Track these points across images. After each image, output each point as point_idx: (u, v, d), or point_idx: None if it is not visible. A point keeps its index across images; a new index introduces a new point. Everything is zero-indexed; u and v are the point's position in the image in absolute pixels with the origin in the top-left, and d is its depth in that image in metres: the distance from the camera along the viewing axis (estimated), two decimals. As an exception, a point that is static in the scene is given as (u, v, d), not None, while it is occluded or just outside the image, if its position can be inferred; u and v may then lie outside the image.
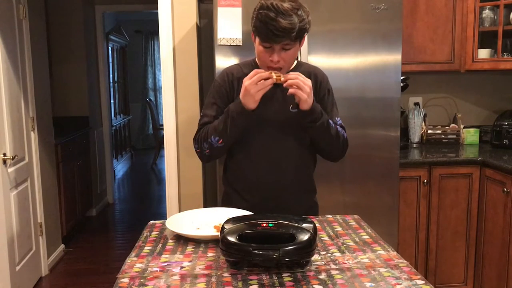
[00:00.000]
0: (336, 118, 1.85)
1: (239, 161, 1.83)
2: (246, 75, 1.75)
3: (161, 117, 6.64)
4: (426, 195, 2.94)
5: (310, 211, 1.88)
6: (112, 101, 6.89)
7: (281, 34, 1.61)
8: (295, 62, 1.83)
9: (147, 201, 5.98)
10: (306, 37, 1.72)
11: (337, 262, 1.35)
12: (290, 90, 1.63)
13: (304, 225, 1.36)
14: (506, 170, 2.68)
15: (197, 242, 1.51)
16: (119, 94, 7.90)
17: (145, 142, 9.45)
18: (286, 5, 1.60)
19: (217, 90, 1.82)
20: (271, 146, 1.77)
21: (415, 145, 3.38)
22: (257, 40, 1.70)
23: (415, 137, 3.42)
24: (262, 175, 1.79)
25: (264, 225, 1.35)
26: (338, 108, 1.90)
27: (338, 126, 1.82)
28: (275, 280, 1.23)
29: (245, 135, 1.79)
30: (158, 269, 1.31)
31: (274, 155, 1.78)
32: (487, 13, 3.15)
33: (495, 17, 3.15)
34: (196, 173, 2.95)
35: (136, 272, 1.30)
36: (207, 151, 1.77)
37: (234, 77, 1.80)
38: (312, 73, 1.83)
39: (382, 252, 1.43)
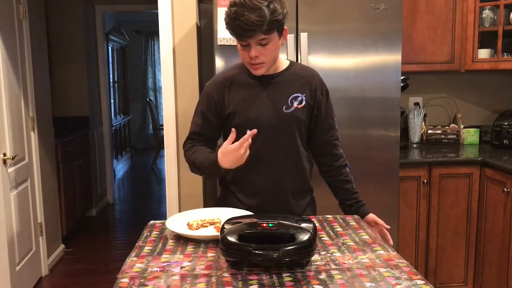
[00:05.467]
0: (335, 123, 1.87)
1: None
2: (236, 77, 1.77)
3: (161, 117, 6.65)
4: (426, 195, 2.94)
5: (308, 208, 1.89)
6: (112, 101, 6.89)
7: (250, 29, 1.58)
8: (287, 63, 1.81)
9: (147, 201, 5.98)
10: (287, 30, 1.70)
11: (337, 262, 1.35)
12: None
13: (304, 225, 1.36)
14: (506, 170, 2.68)
15: (197, 242, 1.51)
16: (119, 94, 7.90)
17: (145, 142, 9.44)
18: None
19: (205, 99, 1.82)
20: (266, 147, 1.76)
21: (415, 145, 3.38)
22: (236, 39, 1.68)
23: (415, 137, 3.42)
24: (257, 177, 1.79)
25: (264, 225, 1.35)
26: (338, 109, 1.90)
27: (349, 173, 1.90)
28: (275, 280, 1.23)
29: (240, 137, 1.79)
30: (158, 269, 1.31)
31: (269, 156, 1.77)
32: (487, 13, 3.15)
33: (495, 17, 3.15)
34: (196, 173, 2.95)
35: (136, 272, 1.30)
36: (199, 173, 1.82)
37: (224, 85, 1.79)
38: (311, 76, 1.80)
39: (382, 252, 1.43)
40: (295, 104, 1.76)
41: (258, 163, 1.77)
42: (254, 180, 1.79)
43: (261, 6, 1.57)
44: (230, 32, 1.64)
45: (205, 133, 1.83)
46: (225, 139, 1.85)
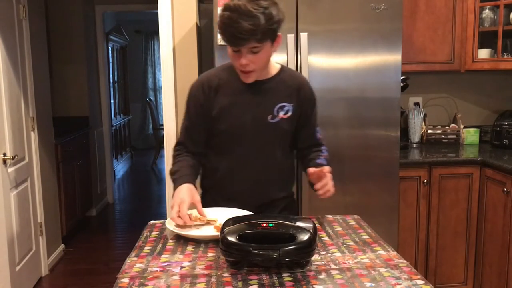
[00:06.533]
0: (317, 130, 1.85)
1: (216, 169, 1.80)
2: (224, 80, 1.72)
3: (161, 117, 6.64)
4: (426, 195, 2.94)
5: (286, 210, 1.87)
6: (112, 101, 6.89)
7: (243, 37, 1.51)
8: (278, 67, 1.76)
9: (147, 201, 5.98)
10: (280, 36, 1.63)
11: (337, 262, 1.35)
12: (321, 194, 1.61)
13: (304, 225, 1.36)
14: (506, 170, 2.68)
15: (197, 242, 1.51)
16: (119, 94, 7.90)
17: (145, 142, 9.45)
18: (251, 5, 1.49)
19: (192, 101, 1.77)
20: (247, 154, 1.75)
21: (415, 145, 3.38)
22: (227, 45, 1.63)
23: (415, 137, 3.42)
24: (236, 183, 1.78)
25: (264, 225, 1.35)
26: (338, 109, 1.90)
27: (326, 153, 1.80)
28: (275, 280, 1.23)
29: (223, 144, 1.77)
30: (158, 269, 1.31)
31: (250, 163, 1.76)
32: (487, 13, 3.15)
33: (495, 17, 3.15)
34: (196, 173, 2.95)
35: (136, 272, 1.30)
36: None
37: (211, 87, 1.73)
38: (299, 85, 1.77)
39: (382, 252, 1.43)
40: (281, 114, 1.73)
41: (238, 169, 1.77)
42: (233, 185, 1.78)
43: (256, 13, 1.49)
44: (221, 37, 1.58)
45: (193, 137, 1.79)
46: (210, 144, 1.80)
